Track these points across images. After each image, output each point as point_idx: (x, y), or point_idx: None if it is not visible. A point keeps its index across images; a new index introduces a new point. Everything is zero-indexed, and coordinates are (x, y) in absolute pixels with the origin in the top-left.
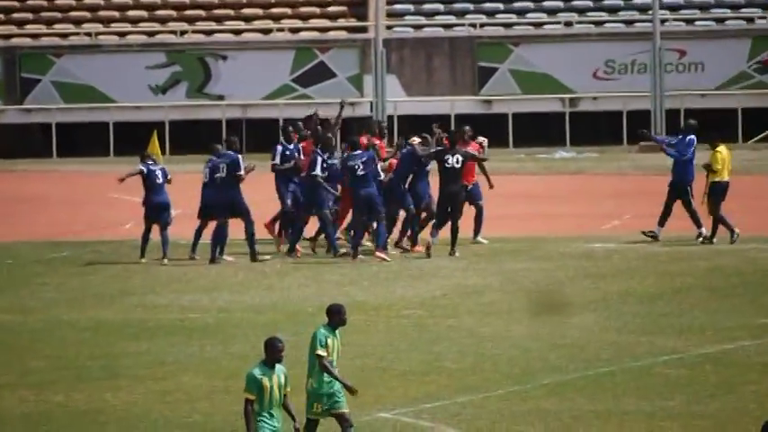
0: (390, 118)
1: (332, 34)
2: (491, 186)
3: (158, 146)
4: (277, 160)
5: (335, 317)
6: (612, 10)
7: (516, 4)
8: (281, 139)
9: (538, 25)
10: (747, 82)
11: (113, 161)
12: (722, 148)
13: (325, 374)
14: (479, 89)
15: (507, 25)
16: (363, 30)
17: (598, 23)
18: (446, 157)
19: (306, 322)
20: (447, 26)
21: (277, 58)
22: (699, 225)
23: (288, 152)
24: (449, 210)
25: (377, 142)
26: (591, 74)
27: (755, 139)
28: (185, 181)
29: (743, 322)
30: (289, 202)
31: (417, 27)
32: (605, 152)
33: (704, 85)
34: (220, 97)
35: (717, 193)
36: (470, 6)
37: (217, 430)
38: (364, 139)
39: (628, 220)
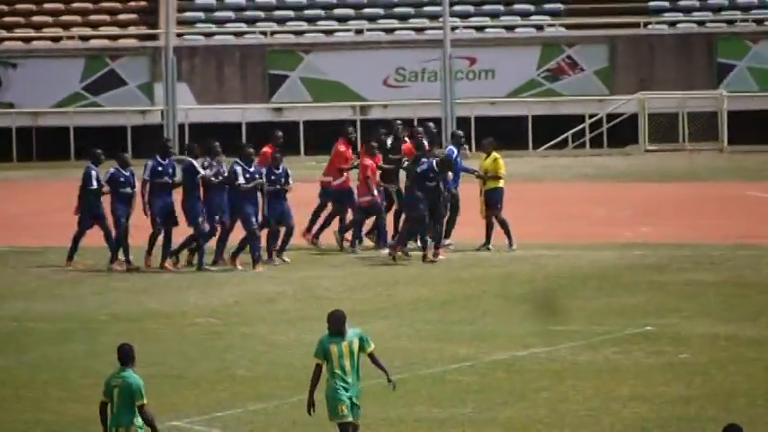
0: (181, 126)
1: (122, 42)
2: None
3: None
4: (147, 175)
5: (329, 324)
6: (403, 17)
7: (307, 12)
8: (157, 154)
9: (329, 33)
10: (537, 90)
11: None
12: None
13: (335, 380)
14: (270, 97)
15: (298, 33)
16: (154, 38)
17: (389, 31)
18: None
19: (99, 330)
20: (238, 34)
21: (67, 65)
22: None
23: (161, 168)
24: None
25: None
26: (381, 81)
27: (545, 146)
28: None
29: (534, 329)
30: (158, 219)
31: (208, 35)
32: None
33: (494, 93)
34: (10, 105)
35: (497, 199)
36: (261, 14)
37: None
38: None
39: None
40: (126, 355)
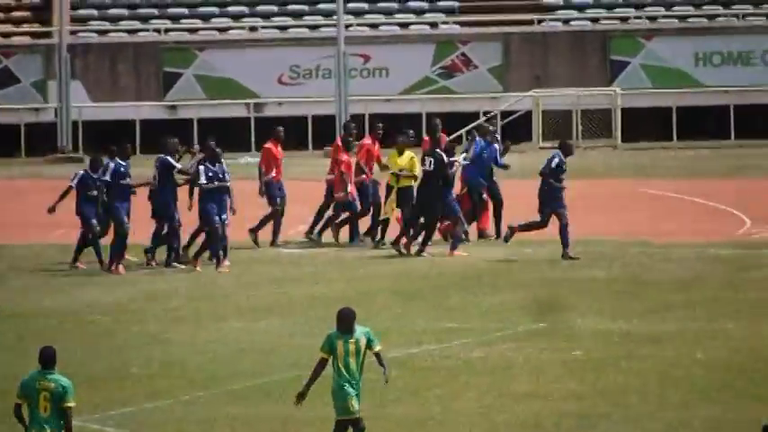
0: (75, 124)
1: (16, 39)
2: None
3: None
4: (107, 177)
5: (338, 321)
6: (297, 15)
7: (201, 9)
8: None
9: (223, 30)
10: (431, 87)
11: None
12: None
13: (341, 377)
14: (164, 95)
15: (192, 30)
16: (48, 35)
17: (283, 28)
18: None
19: None
20: (132, 31)
21: None
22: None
23: (123, 169)
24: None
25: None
26: (276, 79)
27: None
28: None
29: (428, 326)
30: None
31: (102, 32)
32: (291, 157)
33: (389, 90)
34: None
35: (409, 198)
36: (155, 11)
37: None
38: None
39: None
40: (50, 359)
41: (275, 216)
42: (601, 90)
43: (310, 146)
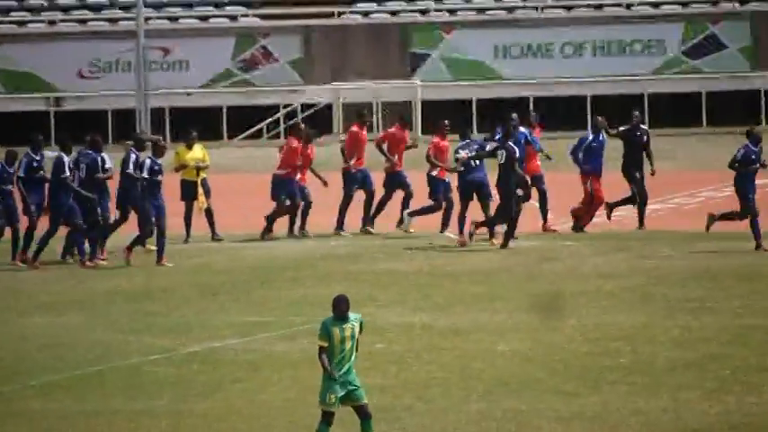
0: None
1: None
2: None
3: None
4: (21, 172)
5: (334, 308)
6: (96, 8)
7: None
8: (30, 149)
9: (21, 24)
10: (232, 80)
11: None
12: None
13: (334, 364)
14: None
15: None
16: None
17: (82, 22)
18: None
19: None
20: None
21: None
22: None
23: (36, 163)
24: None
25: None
26: (76, 73)
27: (240, 136)
28: None
29: (230, 320)
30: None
31: None
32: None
33: (189, 84)
34: None
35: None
36: None
37: None
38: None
39: None
40: None
41: (347, 204)
42: (401, 82)
43: (110, 140)
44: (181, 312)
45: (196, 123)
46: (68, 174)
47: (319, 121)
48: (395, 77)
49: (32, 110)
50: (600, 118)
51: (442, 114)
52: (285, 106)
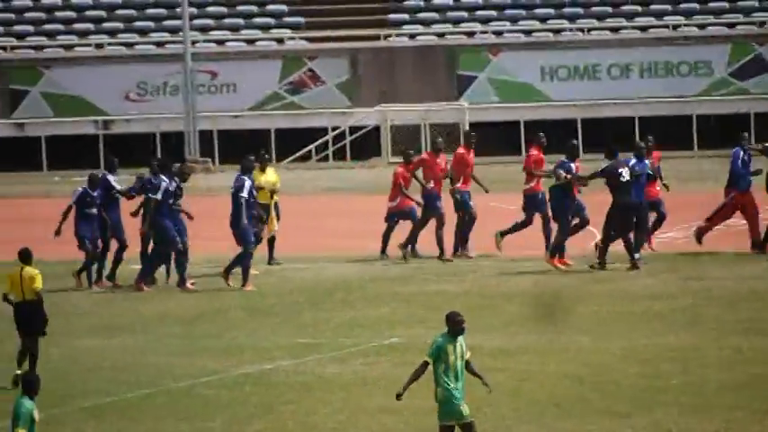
0: None
1: None
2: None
3: None
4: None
5: (450, 323)
6: (144, 32)
7: (46, 27)
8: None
9: (69, 47)
10: (280, 102)
11: None
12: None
13: (448, 382)
14: (11, 113)
15: (39, 48)
16: None
17: (130, 45)
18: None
19: None
20: None
21: None
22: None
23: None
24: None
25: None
26: (123, 96)
27: (289, 159)
28: None
29: (281, 342)
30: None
31: None
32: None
33: (237, 106)
34: None
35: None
36: (0, 29)
37: None
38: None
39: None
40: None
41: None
42: (448, 104)
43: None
44: (232, 334)
45: (244, 146)
46: (166, 196)
47: (367, 143)
48: (442, 99)
49: (81, 133)
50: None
51: (489, 136)
52: (333, 128)
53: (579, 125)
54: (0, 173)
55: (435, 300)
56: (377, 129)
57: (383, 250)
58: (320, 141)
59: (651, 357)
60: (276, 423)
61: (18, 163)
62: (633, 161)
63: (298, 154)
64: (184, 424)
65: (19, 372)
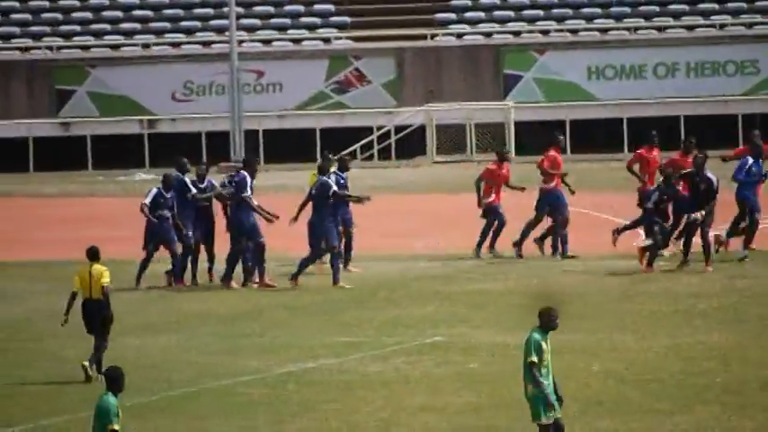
0: None
1: None
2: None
3: None
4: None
5: (544, 319)
6: (190, 31)
7: (93, 27)
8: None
9: (115, 47)
10: (325, 102)
11: None
12: None
13: (543, 378)
14: (57, 112)
15: (85, 47)
16: None
17: (176, 45)
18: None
19: None
20: (24, 49)
21: None
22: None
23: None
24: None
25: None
26: (169, 95)
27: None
28: None
29: (324, 341)
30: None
31: None
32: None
33: (283, 106)
34: None
35: None
36: (47, 29)
37: None
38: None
39: None
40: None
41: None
42: (494, 104)
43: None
44: (274, 333)
45: (290, 145)
46: (250, 192)
47: (413, 142)
48: (488, 99)
49: (127, 133)
50: None
51: (535, 136)
52: (378, 128)
53: (625, 124)
54: (46, 172)
55: (478, 299)
56: (422, 128)
57: (483, 245)
58: (365, 141)
59: (694, 356)
60: (318, 422)
61: (63, 162)
62: (750, 161)
63: (343, 153)
64: (227, 422)
65: (87, 366)
